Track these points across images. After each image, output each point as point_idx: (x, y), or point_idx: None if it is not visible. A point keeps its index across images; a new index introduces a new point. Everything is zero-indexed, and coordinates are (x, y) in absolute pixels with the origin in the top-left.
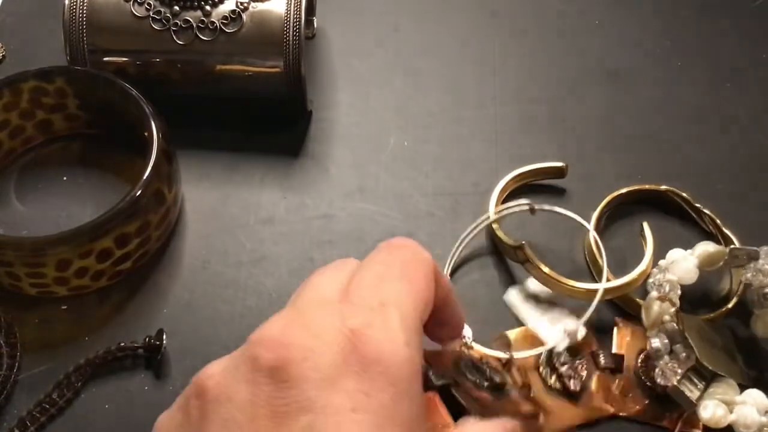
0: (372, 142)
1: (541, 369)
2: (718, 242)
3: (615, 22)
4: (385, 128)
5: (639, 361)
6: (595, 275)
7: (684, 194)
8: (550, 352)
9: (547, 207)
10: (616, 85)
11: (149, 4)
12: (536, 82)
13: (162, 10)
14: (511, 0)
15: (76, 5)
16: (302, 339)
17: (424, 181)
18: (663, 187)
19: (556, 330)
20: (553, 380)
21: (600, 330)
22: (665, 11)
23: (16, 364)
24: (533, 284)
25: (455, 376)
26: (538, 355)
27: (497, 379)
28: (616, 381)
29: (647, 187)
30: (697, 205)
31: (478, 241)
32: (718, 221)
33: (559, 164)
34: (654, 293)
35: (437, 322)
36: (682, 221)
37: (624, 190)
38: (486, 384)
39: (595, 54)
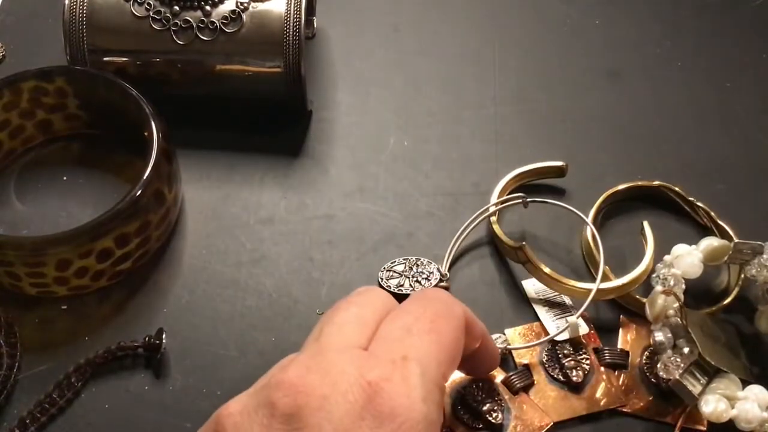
0: (372, 142)
1: (544, 361)
2: (714, 235)
3: (615, 22)
4: (385, 128)
5: (644, 357)
6: (592, 270)
7: (676, 188)
8: (554, 345)
9: (539, 199)
10: (616, 85)
11: (149, 4)
12: (536, 82)
13: (162, 10)
14: (511, 0)
15: (76, 5)
16: (319, 386)
17: (424, 181)
18: (656, 183)
19: (559, 323)
20: (556, 372)
21: (605, 329)
22: (665, 11)
23: (16, 364)
24: (534, 284)
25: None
26: (543, 349)
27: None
28: (621, 377)
29: (640, 183)
30: (690, 198)
31: (479, 242)
32: (713, 214)
33: (559, 164)
34: (659, 287)
35: (471, 363)
36: (678, 216)
37: (620, 187)
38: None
39: (595, 54)
